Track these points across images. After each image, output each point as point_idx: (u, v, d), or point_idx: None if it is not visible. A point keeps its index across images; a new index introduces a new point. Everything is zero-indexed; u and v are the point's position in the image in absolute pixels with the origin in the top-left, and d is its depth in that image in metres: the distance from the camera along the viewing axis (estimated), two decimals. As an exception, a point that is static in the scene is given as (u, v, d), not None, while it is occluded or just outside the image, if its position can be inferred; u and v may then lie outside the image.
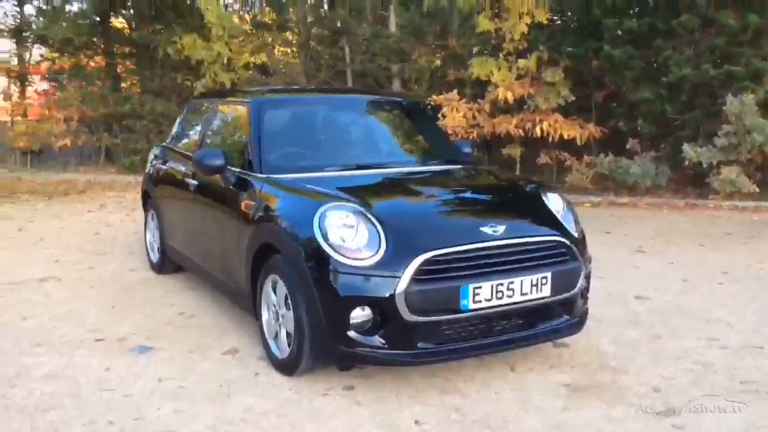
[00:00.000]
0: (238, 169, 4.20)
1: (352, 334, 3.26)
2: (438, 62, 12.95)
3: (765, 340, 4.13)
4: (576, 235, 3.82)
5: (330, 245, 3.30)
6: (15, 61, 14.93)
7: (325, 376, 3.57)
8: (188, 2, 11.55)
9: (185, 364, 3.80)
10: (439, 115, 10.18)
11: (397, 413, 3.20)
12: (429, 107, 10.38)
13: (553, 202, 3.96)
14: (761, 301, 4.91)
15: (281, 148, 4.30)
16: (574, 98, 10.03)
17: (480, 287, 3.26)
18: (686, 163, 9.29)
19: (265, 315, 3.79)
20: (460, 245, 3.32)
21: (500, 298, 3.32)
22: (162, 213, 5.55)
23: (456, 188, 4.20)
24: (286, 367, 3.59)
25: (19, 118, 14.56)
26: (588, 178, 10.08)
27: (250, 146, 4.20)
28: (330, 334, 3.31)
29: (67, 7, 14.00)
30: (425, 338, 3.28)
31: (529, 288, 3.39)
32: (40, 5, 14.33)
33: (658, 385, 3.49)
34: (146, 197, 6.05)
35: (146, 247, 6.02)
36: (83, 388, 3.48)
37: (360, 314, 3.26)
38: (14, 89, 14.84)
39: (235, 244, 4.06)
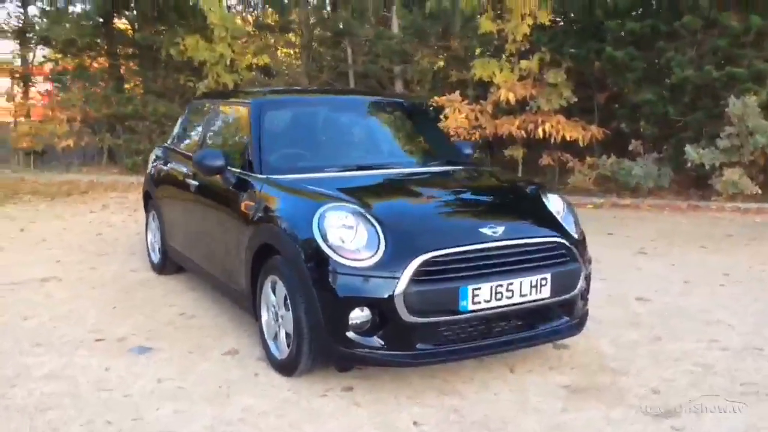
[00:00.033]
0: (238, 170, 4.21)
1: (350, 334, 3.26)
2: (440, 63, 12.97)
3: (766, 341, 4.12)
4: (576, 236, 3.81)
5: (329, 246, 3.29)
6: (18, 62, 15.00)
7: (324, 376, 3.57)
8: (191, 3, 11.57)
9: (185, 364, 3.80)
10: (442, 117, 10.19)
11: (396, 414, 3.20)
12: (431, 108, 10.39)
13: (553, 203, 3.96)
14: (762, 303, 4.89)
15: (281, 149, 4.30)
16: (576, 99, 10.02)
17: (479, 288, 3.26)
18: (689, 164, 9.28)
19: (264, 316, 3.79)
20: (459, 246, 3.32)
21: (499, 300, 3.32)
22: (163, 214, 5.55)
23: (456, 189, 4.19)
24: (286, 368, 3.59)
25: (22, 119, 14.60)
26: (590, 180, 10.07)
27: (251, 147, 4.21)
28: (329, 335, 3.31)
29: (71, 8, 14.07)
30: (424, 339, 3.28)
31: (528, 289, 3.38)
32: (44, 6, 14.37)
33: (657, 387, 3.48)
34: (147, 198, 6.06)
35: (147, 247, 6.02)
36: (82, 388, 3.49)
37: (359, 315, 3.26)
38: (17, 90, 14.88)
39: (235, 245, 4.07)
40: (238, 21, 13.57)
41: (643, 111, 9.97)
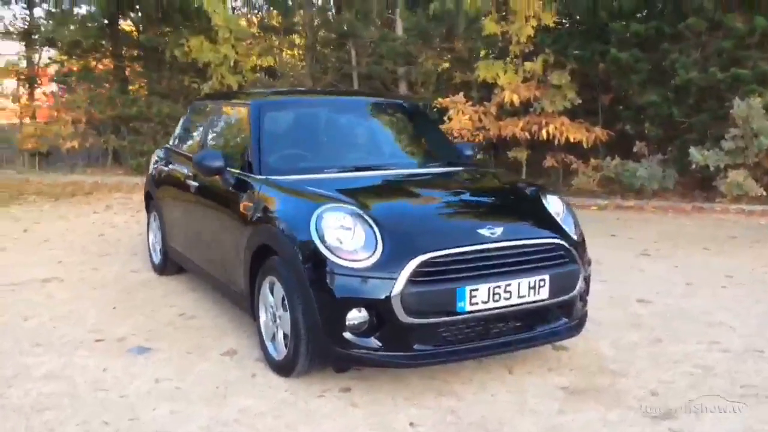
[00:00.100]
0: (237, 171, 4.21)
1: (348, 335, 3.25)
2: (444, 65, 12.95)
3: (767, 343, 4.09)
4: (575, 237, 3.79)
5: (327, 247, 3.29)
6: (24, 63, 15.08)
7: (322, 377, 3.56)
8: (195, 5, 11.59)
9: (183, 364, 3.80)
10: (446, 118, 10.19)
11: (393, 415, 3.19)
12: (434, 110, 10.39)
13: (553, 204, 3.94)
14: (765, 305, 4.86)
15: (281, 150, 4.30)
16: (580, 101, 10.00)
17: (477, 289, 3.24)
18: (693, 166, 9.25)
19: (263, 316, 3.79)
20: (457, 247, 3.30)
21: (497, 301, 3.30)
22: (164, 214, 5.56)
23: (455, 190, 4.17)
24: (283, 369, 3.58)
25: (27, 120, 14.69)
26: (594, 182, 10.05)
27: (250, 148, 4.20)
28: (326, 336, 3.30)
29: (76, 10, 14.15)
30: (422, 340, 3.27)
31: (526, 290, 3.37)
32: (49, 8, 14.47)
33: (656, 389, 3.46)
34: (149, 199, 6.07)
35: (149, 248, 6.03)
36: (80, 388, 3.49)
37: (356, 316, 3.24)
38: (23, 91, 14.96)
39: (234, 246, 4.06)
40: (243, 22, 13.62)
41: (648, 113, 9.95)
